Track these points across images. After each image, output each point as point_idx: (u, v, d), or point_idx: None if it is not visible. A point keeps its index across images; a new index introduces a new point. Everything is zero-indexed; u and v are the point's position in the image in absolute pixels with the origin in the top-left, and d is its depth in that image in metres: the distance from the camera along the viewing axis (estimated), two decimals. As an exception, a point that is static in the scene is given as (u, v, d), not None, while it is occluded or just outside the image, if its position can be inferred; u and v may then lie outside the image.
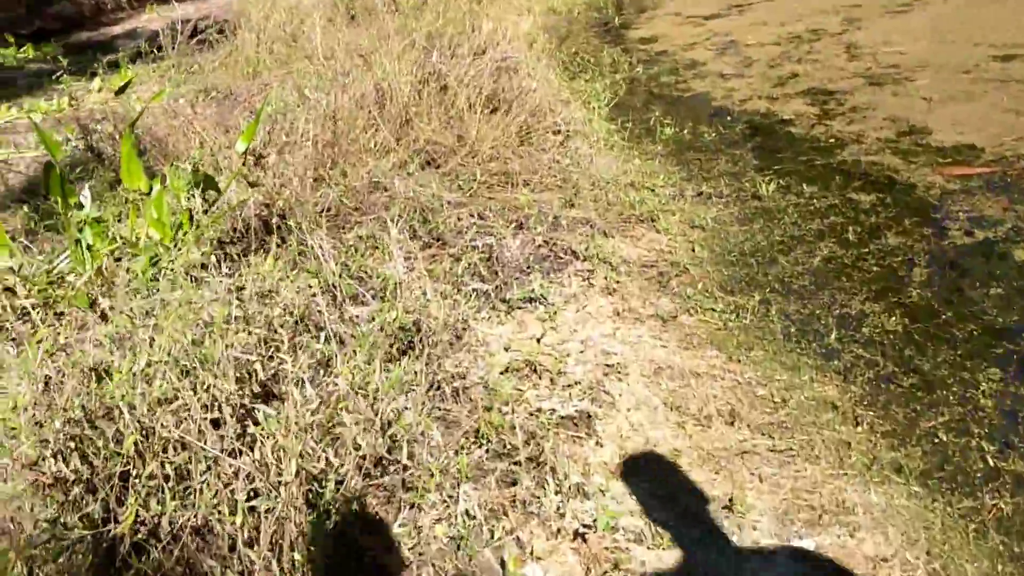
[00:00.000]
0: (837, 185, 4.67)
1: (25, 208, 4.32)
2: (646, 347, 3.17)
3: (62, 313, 3.32)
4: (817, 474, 2.56)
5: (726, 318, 3.44)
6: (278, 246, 3.61)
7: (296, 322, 3.12)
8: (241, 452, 2.12)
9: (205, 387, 2.16)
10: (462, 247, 3.75)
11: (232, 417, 2.15)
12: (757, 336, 3.33)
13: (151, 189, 3.77)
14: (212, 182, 3.42)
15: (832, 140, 5.31)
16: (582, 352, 3.12)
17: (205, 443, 2.08)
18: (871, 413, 2.84)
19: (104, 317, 3.25)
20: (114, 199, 4.11)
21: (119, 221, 3.87)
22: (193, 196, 3.47)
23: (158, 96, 3.84)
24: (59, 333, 3.14)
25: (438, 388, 2.84)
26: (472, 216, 4.03)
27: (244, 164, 3.65)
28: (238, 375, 2.36)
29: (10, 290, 3.33)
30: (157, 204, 3.28)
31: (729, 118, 5.97)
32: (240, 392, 2.30)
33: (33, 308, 3.27)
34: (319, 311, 3.09)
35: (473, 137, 4.93)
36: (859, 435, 2.74)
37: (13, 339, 3.28)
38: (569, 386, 2.91)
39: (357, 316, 3.29)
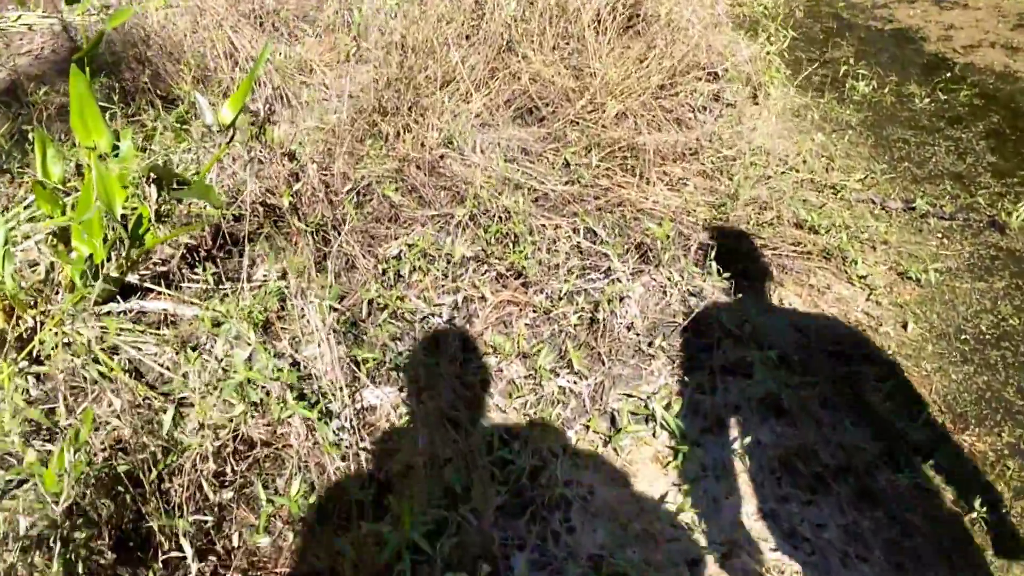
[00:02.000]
0: None
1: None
2: (834, 566, 1.82)
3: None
4: None
5: (961, 486, 2.04)
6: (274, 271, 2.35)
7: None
8: None
9: None
10: (553, 293, 2.39)
11: None
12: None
13: (117, 145, 2.52)
14: (168, 175, 2.13)
15: (1111, 135, 3.58)
16: (725, 559, 1.80)
17: None
18: None
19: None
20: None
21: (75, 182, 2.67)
22: (152, 184, 2.19)
23: (118, 18, 2.44)
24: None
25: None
26: (576, 232, 2.63)
27: (229, 142, 2.33)
28: None
29: None
30: (84, 205, 2.03)
31: (948, 75, 4.21)
32: None
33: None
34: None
35: (597, 80, 3.44)
36: None
37: None
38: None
39: (371, 407, 2.06)
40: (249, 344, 2.12)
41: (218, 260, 2.38)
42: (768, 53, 3.79)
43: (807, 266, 2.70)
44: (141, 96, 3.18)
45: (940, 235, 3.01)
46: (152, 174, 2.14)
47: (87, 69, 2.44)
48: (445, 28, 3.70)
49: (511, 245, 2.48)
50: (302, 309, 2.21)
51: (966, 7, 4.96)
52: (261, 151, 2.36)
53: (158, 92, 3.14)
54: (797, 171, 3.21)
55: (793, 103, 3.89)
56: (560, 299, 2.35)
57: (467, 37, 3.64)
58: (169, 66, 3.34)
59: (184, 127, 2.75)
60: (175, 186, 2.14)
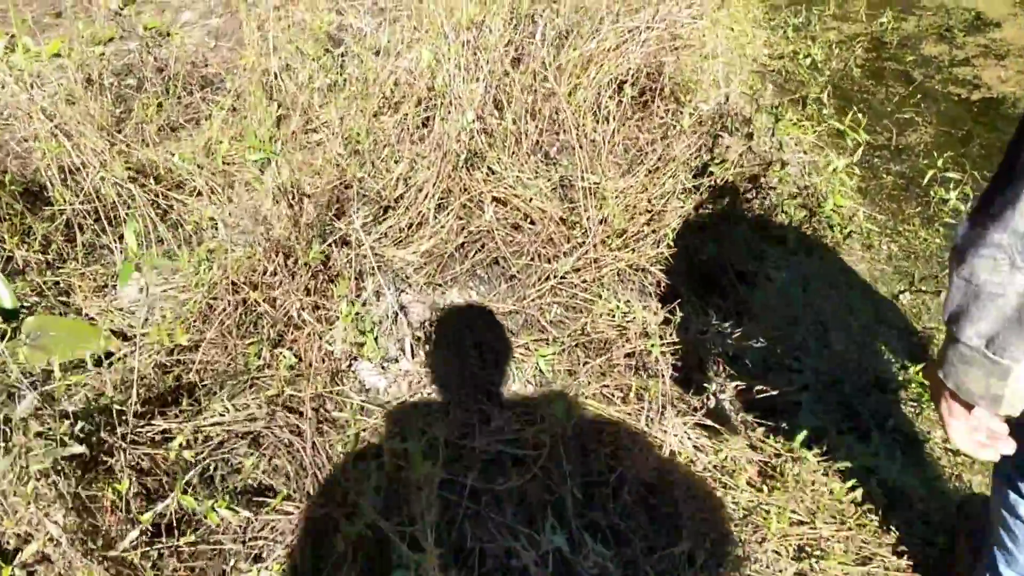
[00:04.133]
0: None
1: None
2: None
3: None
4: None
5: None
6: None
7: None
8: None
9: None
10: None
11: None
12: None
13: None
14: None
15: None
16: None
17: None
18: None
19: None
20: None
21: None
22: None
23: None
24: None
25: None
26: (537, 558, 1.52)
27: None
28: None
29: None
30: None
31: (1068, 177, 3.03)
32: None
33: None
34: None
35: (592, 208, 2.29)
36: None
37: None
38: None
39: None
40: None
41: None
42: (836, 170, 2.62)
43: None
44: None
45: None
46: None
47: None
48: (387, 121, 2.58)
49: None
50: None
51: (1072, 66, 3.76)
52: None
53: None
54: (890, 375, 2.08)
55: (861, 225, 2.74)
56: None
57: (412, 141, 2.50)
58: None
59: None
60: None
